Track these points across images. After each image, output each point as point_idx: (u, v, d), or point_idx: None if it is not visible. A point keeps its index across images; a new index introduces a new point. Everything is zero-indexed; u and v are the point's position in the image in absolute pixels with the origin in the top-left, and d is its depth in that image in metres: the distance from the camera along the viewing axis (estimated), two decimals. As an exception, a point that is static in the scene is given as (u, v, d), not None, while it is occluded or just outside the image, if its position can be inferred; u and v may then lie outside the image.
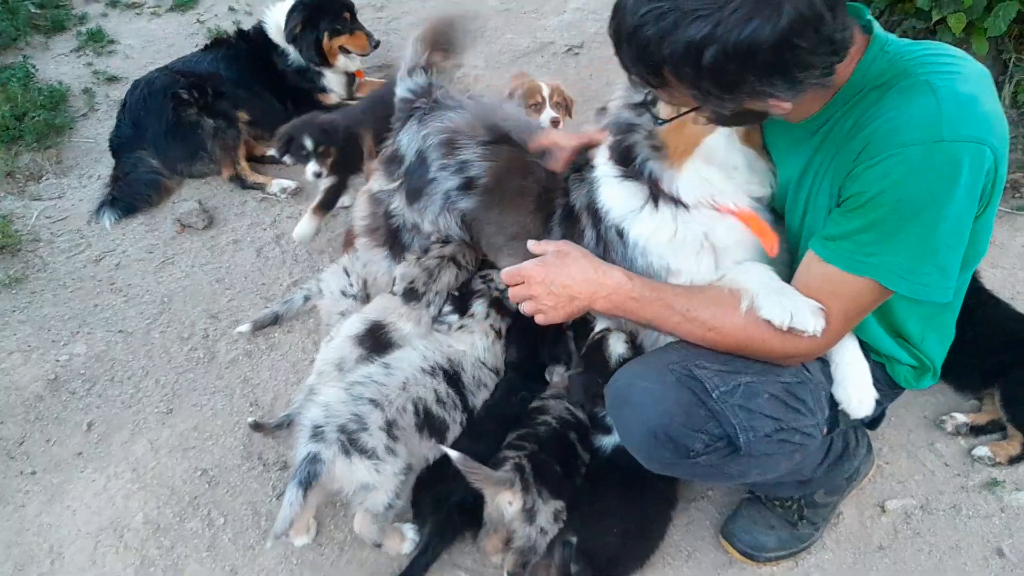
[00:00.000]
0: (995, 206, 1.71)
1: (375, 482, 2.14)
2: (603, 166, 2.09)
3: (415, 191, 2.47)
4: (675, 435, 1.78)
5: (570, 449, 2.31)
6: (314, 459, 2.09)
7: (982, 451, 2.52)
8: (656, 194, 1.96)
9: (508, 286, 2.03)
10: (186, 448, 2.63)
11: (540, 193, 2.30)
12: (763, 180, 1.95)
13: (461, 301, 2.64)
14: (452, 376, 2.40)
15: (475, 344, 2.52)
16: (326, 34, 4.04)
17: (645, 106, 1.88)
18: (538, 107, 3.18)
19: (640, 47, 1.54)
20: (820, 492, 2.27)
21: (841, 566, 2.29)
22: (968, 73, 1.63)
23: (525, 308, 1.99)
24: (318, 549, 2.35)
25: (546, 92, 3.20)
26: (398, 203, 2.54)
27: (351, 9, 4.17)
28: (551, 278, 1.93)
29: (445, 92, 2.56)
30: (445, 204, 2.43)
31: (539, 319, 1.98)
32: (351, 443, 2.11)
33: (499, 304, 2.60)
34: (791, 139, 1.86)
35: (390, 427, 2.18)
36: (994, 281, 3.17)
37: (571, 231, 2.23)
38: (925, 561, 2.30)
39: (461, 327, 2.58)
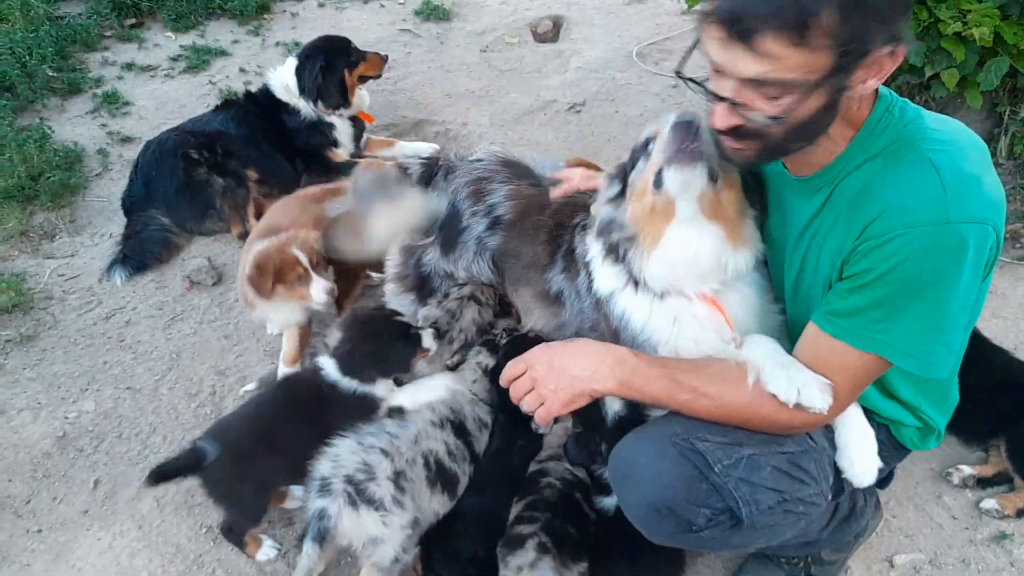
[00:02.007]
0: (992, 272, 1.75)
1: (382, 535, 2.14)
2: (593, 246, 2.12)
3: (449, 242, 2.51)
4: (677, 509, 1.77)
5: (578, 508, 2.30)
6: (321, 515, 2.11)
7: (989, 504, 2.50)
8: (635, 280, 1.99)
9: (509, 384, 2.03)
10: (191, 505, 2.63)
11: (552, 228, 2.35)
12: (736, 257, 1.92)
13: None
14: (459, 426, 2.41)
15: (465, 378, 2.54)
16: (345, 70, 4.17)
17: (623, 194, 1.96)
18: (301, 279, 2.84)
19: None
20: (827, 551, 2.25)
21: (851, 623, 2.27)
22: (969, 150, 1.68)
23: (527, 403, 1.97)
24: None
25: (303, 259, 2.83)
26: (432, 255, 2.58)
27: (349, 41, 4.33)
28: (551, 358, 1.95)
29: (457, 154, 2.65)
30: (478, 249, 2.47)
31: (540, 414, 1.95)
32: (358, 494, 2.12)
33: (490, 344, 2.62)
34: (794, 195, 1.88)
35: (398, 477, 2.18)
36: (996, 331, 3.19)
37: (571, 268, 2.28)
38: (936, 617, 2.28)
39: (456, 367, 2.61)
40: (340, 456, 2.19)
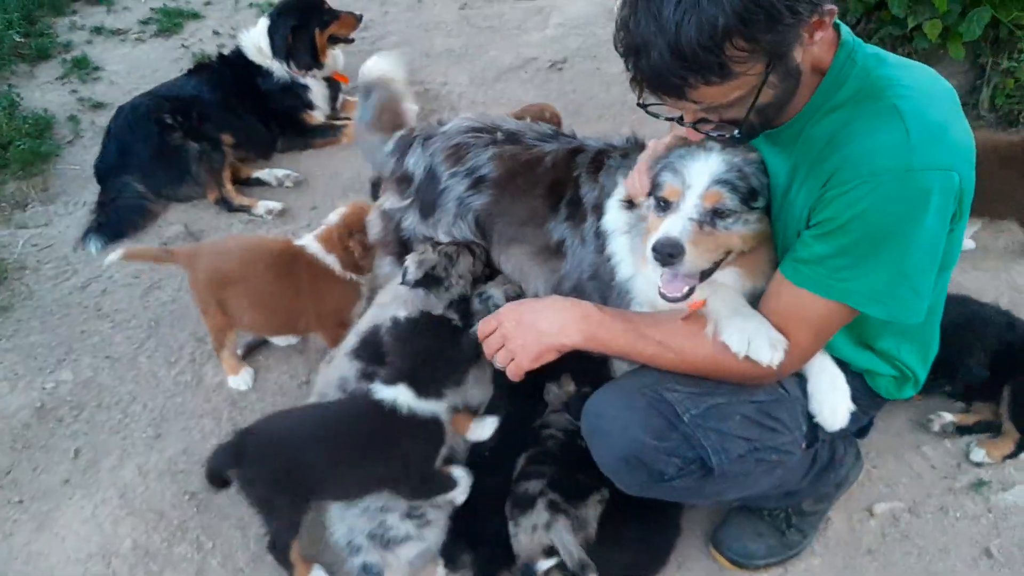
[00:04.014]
0: (966, 218, 1.73)
1: (424, 547, 2.22)
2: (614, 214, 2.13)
3: (428, 205, 2.48)
4: (647, 460, 1.79)
5: (584, 452, 2.25)
6: (366, 568, 2.19)
7: (979, 455, 2.52)
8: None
9: (483, 339, 2.01)
10: (174, 472, 2.63)
11: (551, 183, 2.30)
12: (746, 285, 1.93)
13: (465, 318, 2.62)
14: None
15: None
16: (316, 30, 4.08)
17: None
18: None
19: (692, 42, 1.45)
20: (808, 501, 2.27)
21: (830, 571, 2.30)
22: (935, 95, 1.66)
23: (499, 358, 1.96)
24: None
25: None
26: (411, 219, 2.55)
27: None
28: (520, 315, 1.93)
29: (436, 120, 2.62)
30: (459, 209, 2.43)
31: (511, 369, 1.93)
32: (384, 543, 2.18)
33: None
34: (768, 152, 1.86)
35: (411, 512, 2.21)
36: (978, 283, 3.20)
37: (575, 216, 2.26)
38: (914, 564, 2.30)
39: None
40: (347, 518, 2.23)
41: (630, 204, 2.05)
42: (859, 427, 2.22)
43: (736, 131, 1.68)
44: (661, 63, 1.50)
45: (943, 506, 2.44)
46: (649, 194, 1.90)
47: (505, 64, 4.85)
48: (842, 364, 1.95)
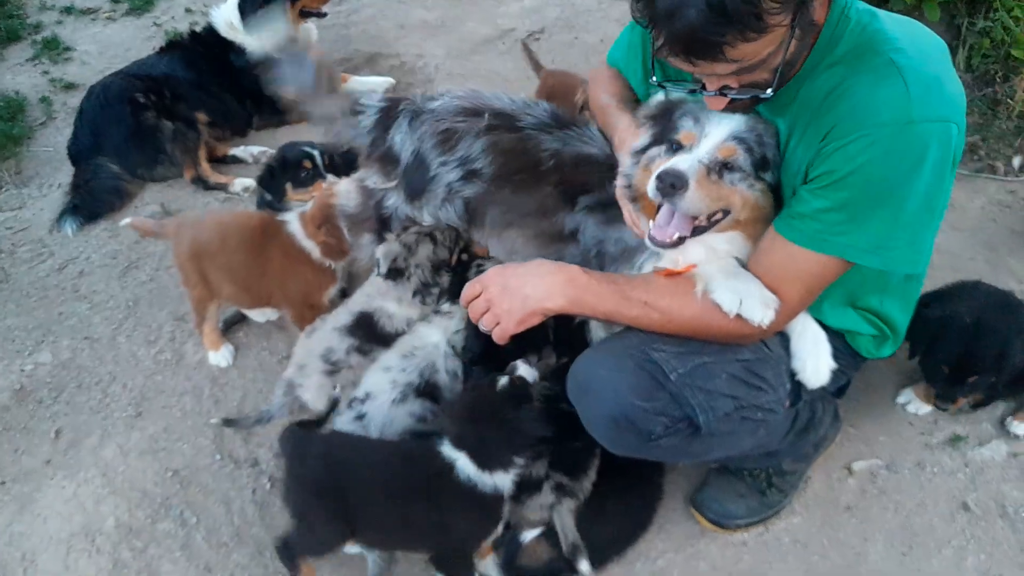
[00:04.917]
0: (954, 173, 1.74)
1: None
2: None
3: (416, 191, 2.43)
4: (636, 420, 1.80)
5: (572, 416, 2.12)
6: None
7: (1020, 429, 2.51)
8: None
9: (467, 304, 2.00)
10: (156, 450, 2.62)
11: (559, 182, 2.23)
12: (742, 250, 1.91)
13: (456, 286, 2.60)
14: (427, 390, 2.33)
15: (448, 328, 2.50)
16: (288, 4, 3.99)
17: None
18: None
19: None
20: (787, 460, 2.29)
21: (810, 529, 2.33)
22: (929, 50, 1.67)
23: (484, 322, 1.96)
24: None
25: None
26: (394, 200, 2.51)
27: None
28: (505, 279, 1.92)
29: (422, 93, 2.56)
30: (448, 195, 2.39)
31: (496, 333, 1.93)
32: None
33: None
34: (773, 112, 1.84)
35: None
36: (955, 243, 3.22)
37: (601, 214, 2.19)
38: (892, 519, 2.34)
39: (448, 312, 2.56)
40: None
41: None
42: (838, 387, 2.24)
43: (768, 91, 1.65)
44: (699, 22, 1.46)
45: (920, 462, 2.47)
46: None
47: (482, 36, 4.80)
48: (823, 325, 1.96)
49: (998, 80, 3.74)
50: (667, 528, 2.34)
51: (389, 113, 2.45)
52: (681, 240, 1.77)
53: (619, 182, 2.00)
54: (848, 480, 2.44)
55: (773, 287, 1.77)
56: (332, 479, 2.01)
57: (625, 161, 1.99)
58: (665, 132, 1.87)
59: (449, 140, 2.32)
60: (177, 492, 2.50)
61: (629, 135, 2.03)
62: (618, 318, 1.88)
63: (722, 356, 1.84)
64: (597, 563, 2.23)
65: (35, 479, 2.56)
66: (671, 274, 1.86)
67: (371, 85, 4.27)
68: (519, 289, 1.88)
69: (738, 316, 1.74)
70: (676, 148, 1.79)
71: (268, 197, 3.28)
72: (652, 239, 1.79)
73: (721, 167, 1.74)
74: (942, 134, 1.58)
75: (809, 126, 1.71)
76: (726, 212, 1.79)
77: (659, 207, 1.79)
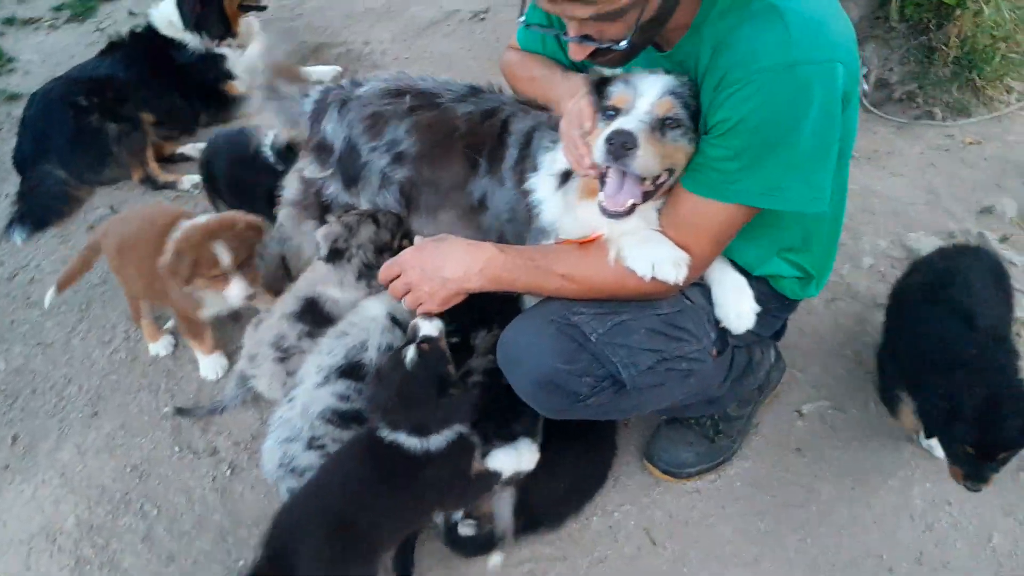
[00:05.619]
0: (855, 104, 1.77)
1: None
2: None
3: (351, 178, 2.44)
4: (561, 383, 1.83)
5: (509, 392, 2.14)
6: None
7: None
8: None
9: (387, 284, 2.01)
10: (113, 447, 2.62)
11: (467, 145, 2.26)
12: None
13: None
14: (349, 369, 2.31)
15: (391, 303, 2.50)
16: None
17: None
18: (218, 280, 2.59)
19: None
20: (732, 405, 2.33)
21: (761, 472, 2.37)
22: None
23: (407, 301, 1.97)
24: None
25: (226, 259, 2.56)
26: (333, 188, 2.51)
27: None
28: (423, 262, 1.93)
29: (350, 78, 2.55)
30: (382, 182, 2.40)
31: (420, 312, 1.97)
32: (292, 472, 2.21)
33: None
34: (673, 67, 1.85)
35: (312, 443, 2.22)
36: (896, 189, 3.27)
37: (493, 163, 2.22)
38: (841, 456, 2.39)
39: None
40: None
41: (565, 177, 1.99)
42: (774, 331, 2.28)
43: (623, 43, 1.66)
44: None
45: (868, 401, 2.52)
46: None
47: (427, 19, 4.80)
48: (745, 272, 1.99)
49: (932, 28, 3.77)
50: (622, 481, 2.37)
51: (322, 103, 2.46)
52: (633, 207, 1.76)
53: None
54: (798, 423, 2.48)
55: (682, 240, 1.79)
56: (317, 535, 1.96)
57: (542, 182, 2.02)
58: (598, 104, 1.87)
59: (376, 124, 2.34)
60: (136, 486, 2.51)
61: (570, 78, 2.06)
62: (537, 291, 1.91)
63: (640, 312, 1.86)
64: (555, 522, 2.27)
65: (-7, 485, 2.56)
66: (583, 243, 1.88)
67: (318, 75, 4.25)
68: (437, 271, 1.90)
69: (652, 279, 1.76)
70: (612, 114, 1.79)
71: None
72: (604, 210, 1.77)
73: (662, 124, 1.73)
74: (826, 75, 1.60)
75: (704, 78, 1.73)
76: (670, 172, 1.79)
77: (603, 178, 1.79)
